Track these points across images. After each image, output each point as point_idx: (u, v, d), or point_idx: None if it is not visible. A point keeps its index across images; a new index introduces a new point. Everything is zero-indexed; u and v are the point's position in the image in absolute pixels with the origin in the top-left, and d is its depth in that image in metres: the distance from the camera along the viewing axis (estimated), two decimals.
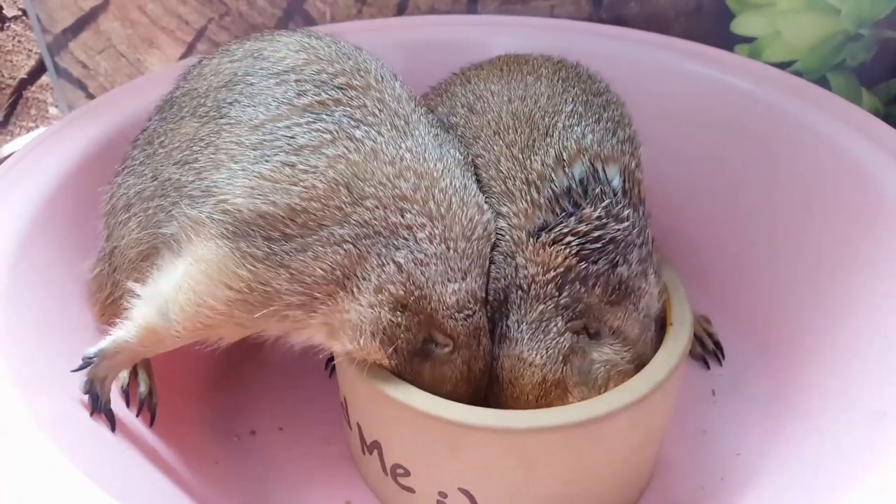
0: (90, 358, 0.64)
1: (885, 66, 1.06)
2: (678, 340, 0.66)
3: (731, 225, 0.88)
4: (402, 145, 0.63)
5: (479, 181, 0.68)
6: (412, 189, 0.61)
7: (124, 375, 0.69)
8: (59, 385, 0.63)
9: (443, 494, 0.64)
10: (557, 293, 0.62)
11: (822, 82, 1.06)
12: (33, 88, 1.20)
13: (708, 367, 0.83)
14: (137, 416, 0.68)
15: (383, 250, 0.60)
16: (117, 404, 0.66)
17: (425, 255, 0.60)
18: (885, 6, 1.02)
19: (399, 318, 0.60)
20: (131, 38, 1.11)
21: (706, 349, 0.84)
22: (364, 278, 0.60)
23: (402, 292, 0.60)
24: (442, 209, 0.62)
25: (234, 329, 0.62)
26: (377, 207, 0.60)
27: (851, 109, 0.83)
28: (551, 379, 0.62)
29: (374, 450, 0.67)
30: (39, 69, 1.17)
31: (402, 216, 0.61)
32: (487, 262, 0.64)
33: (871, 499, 0.54)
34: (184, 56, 1.12)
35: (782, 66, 1.03)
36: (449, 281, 0.61)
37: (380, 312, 0.60)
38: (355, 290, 0.60)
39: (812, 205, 0.80)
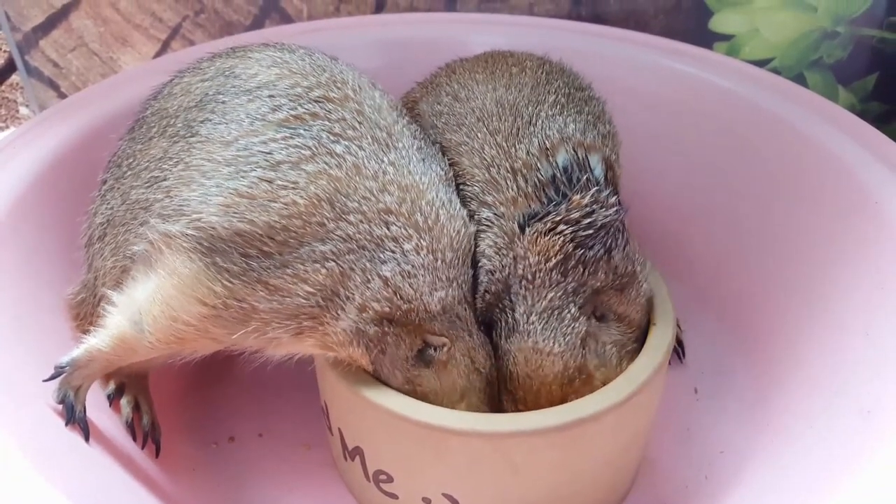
0: (62, 367, 0.62)
1: (861, 63, 1.07)
2: (661, 339, 0.66)
3: (712, 223, 0.88)
4: (385, 159, 0.62)
5: (461, 169, 0.68)
6: (397, 202, 0.60)
7: (127, 410, 0.68)
8: (34, 393, 0.61)
9: (426, 500, 0.64)
10: (563, 279, 0.62)
11: (800, 79, 1.07)
12: (3, 88, 1.17)
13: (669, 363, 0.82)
14: (143, 448, 0.67)
15: (368, 265, 0.59)
16: (110, 423, 0.65)
17: (413, 266, 0.59)
18: (861, 3, 1.03)
19: (387, 328, 0.59)
20: (104, 36, 1.09)
21: None
22: (348, 298, 0.59)
23: (388, 309, 0.59)
24: (430, 221, 0.61)
25: (209, 344, 0.61)
26: (361, 222, 0.59)
27: (829, 106, 0.83)
28: (573, 365, 0.61)
29: (356, 455, 0.66)
30: (9, 68, 1.15)
31: (388, 228, 0.59)
32: (471, 272, 0.64)
33: (856, 496, 0.53)
34: (158, 54, 1.10)
35: (760, 63, 1.04)
36: (436, 290, 0.60)
37: (366, 327, 0.59)
38: (340, 310, 0.59)
39: (793, 201, 0.80)
